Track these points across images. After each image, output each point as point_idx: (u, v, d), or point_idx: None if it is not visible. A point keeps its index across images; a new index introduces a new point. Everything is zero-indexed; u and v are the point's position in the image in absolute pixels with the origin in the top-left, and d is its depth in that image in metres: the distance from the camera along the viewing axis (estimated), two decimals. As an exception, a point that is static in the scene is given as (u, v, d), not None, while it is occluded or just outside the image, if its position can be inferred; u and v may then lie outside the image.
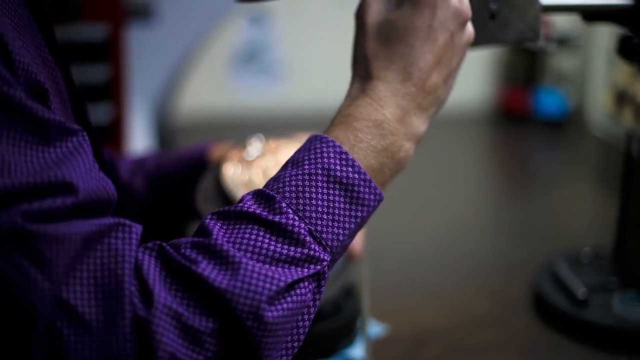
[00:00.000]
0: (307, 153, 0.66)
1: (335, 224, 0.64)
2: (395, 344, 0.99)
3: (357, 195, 0.66)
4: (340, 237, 0.64)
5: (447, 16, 0.73)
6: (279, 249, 0.62)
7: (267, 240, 0.62)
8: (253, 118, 1.98)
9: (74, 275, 0.56)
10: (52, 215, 0.56)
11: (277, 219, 0.62)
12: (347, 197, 0.65)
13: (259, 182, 0.91)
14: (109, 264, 0.57)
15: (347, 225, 0.65)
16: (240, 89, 2.04)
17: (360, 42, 0.76)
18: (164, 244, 0.61)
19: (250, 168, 0.92)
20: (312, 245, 0.63)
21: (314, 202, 0.64)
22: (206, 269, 0.59)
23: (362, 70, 0.74)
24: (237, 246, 0.61)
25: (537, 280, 1.09)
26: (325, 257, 0.63)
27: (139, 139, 1.50)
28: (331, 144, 0.66)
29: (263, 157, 0.94)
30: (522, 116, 1.96)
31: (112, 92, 1.33)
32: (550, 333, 1.01)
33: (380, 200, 0.67)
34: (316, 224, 0.63)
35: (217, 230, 0.62)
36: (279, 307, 0.60)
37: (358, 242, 0.98)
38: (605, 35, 1.81)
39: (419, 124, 0.72)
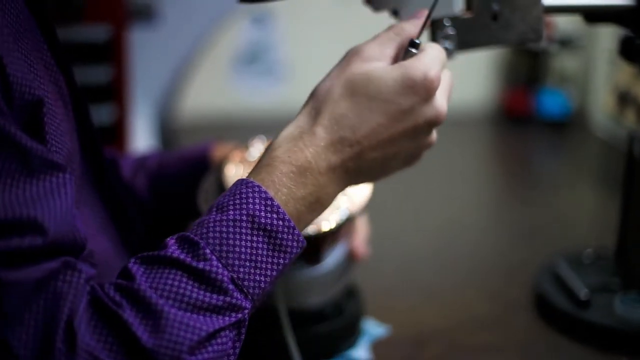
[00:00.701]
0: (232, 198, 0.66)
1: (258, 272, 0.64)
2: (395, 344, 0.99)
3: (281, 243, 0.66)
4: (262, 285, 0.65)
5: (426, 111, 0.71)
6: (201, 297, 0.62)
7: (189, 287, 0.62)
8: (255, 119, 1.98)
9: (20, 317, 0.57)
10: (15, 257, 0.57)
11: (200, 265, 0.62)
12: (271, 244, 0.65)
13: None
14: (52, 307, 0.58)
15: (269, 273, 0.65)
16: (242, 89, 2.05)
17: (331, 79, 0.74)
18: (95, 284, 0.61)
19: (250, 169, 0.92)
20: (235, 294, 0.63)
21: (237, 249, 0.64)
22: (130, 316, 0.59)
23: (315, 107, 0.72)
24: (159, 292, 0.61)
25: (539, 280, 1.09)
26: (247, 305, 0.64)
27: (142, 140, 1.51)
28: (257, 189, 0.66)
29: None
30: (524, 117, 1.96)
31: (115, 92, 1.33)
32: (551, 334, 1.01)
33: (302, 247, 0.67)
34: (239, 272, 0.63)
35: (140, 275, 0.62)
36: (200, 357, 0.61)
37: (362, 243, 0.98)
38: (608, 36, 1.81)
39: (340, 187, 0.71)
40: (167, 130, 1.65)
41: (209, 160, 1.00)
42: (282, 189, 0.67)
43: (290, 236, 0.66)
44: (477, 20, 0.88)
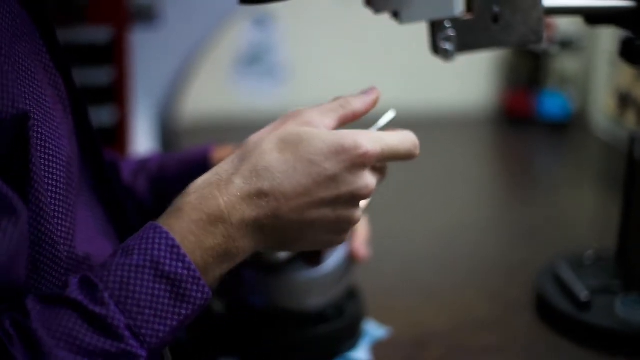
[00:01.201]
0: (138, 242, 0.64)
1: (157, 320, 0.63)
2: (396, 346, 0.99)
3: (184, 293, 0.64)
4: (161, 334, 0.63)
5: (350, 182, 0.69)
6: (94, 342, 0.60)
7: (83, 331, 0.60)
8: (257, 120, 1.97)
9: None
10: None
11: (97, 309, 0.61)
12: (173, 293, 0.63)
13: None
14: None
15: (169, 322, 0.63)
16: (243, 91, 2.05)
17: (263, 133, 0.72)
18: None
19: None
20: (130, 341, 0.61)
21: (137, 295, 0.62)
22: (18, 352, 0.58)
23: (239, 157, 0.70)
24: (52, 333, 0.60)
25: (539, 282, 1.09)
26: (142, 353, 0.62)
27: (143, 142, 1.51)
28: (164, 235, 0.64)
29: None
30: (524, 118, 1.96)
31: (116, 94, 1.33)
32: (552, 335, 1.01)
33: (207, 299, 0.65)
34: (136, 319, 0.62)
35: (36, 313, 0.61)
36: None
37: (362, 245, 0.98)
38: (609, 37, 1.81)
39: (253, 244, 0.69)
40: (168, 131, 1.65)
41: (209, 162, 1.00)
42: (189, 237, 0.65)
43: (194, 287, 0.64)
44: (478, 22, 0.88)
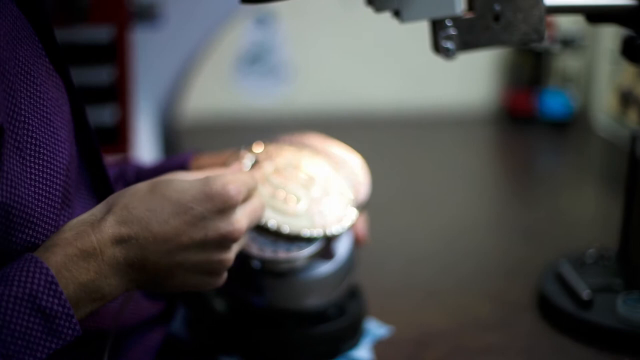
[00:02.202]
0: (18, 273, 0.65)
1: (27, 352, 0.64)
2: (398, 345, 0.99)
3: (57, 328, 0.66)
4: None
5: (219, 223, 0.72)
6: None
7: None
8: (258, 120, 1.98)
9: None
10: None
11: None
12: (47, 327, 0.65)
13: (266, 192, 0.91)
14: None
15: (38, 355, 0.65)
16: (245, 90, 2.05)
17: (141, 182, 0.74)
18: None
19: None
20: None
21: (12, 326, 0.64)
22: None
23: (113, 199, 0.72)
24: None
25: (541, 281, 1.09)
26: None
27: (144, 141, 1.51)
28: (44, 270, 0.66)
29: (260, 166, 0.94)
30: (526, 117, 1.96)
31: (117, 93, 1.33)
32: (554, 334, 1.01)
33: (76, 336, 0.67)
34: (9, 348, 0.63)
35: None
36: None
37: (362, 227, 0.98)
38: (610, 36, 1.81)
39: (124, 283, 0.71)
40: (169, 131, 1.65)
41: (187, 170, 0.99)
42: (63, 272, 0.67)
43: (67, 323, 0.66)
44: (479, 21, 0.88)
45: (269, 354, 0.94)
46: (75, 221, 0.70)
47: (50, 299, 0.65)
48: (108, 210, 0.71)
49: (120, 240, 0.69)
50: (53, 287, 0.65)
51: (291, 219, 0.89)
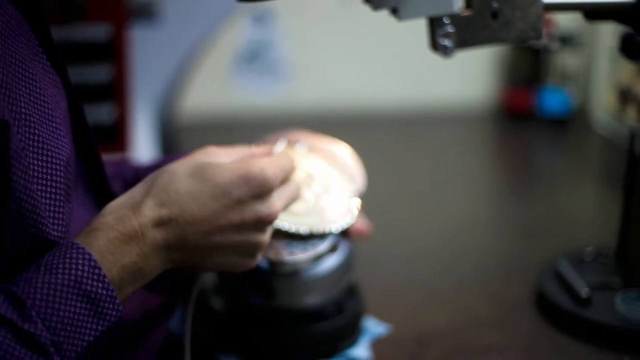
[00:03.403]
0: (62, 260, 0.67)
1: (77, 336, 0.66)
2: (396, 344, 0.99)
3: (102, 311, 0.68)
4: (79, 349, 0.67)
5: (256, 207, 0.75)
6: (22, 356, 0.63)
7: (12, 345, 0.63)
8: (257, 118, 1.98)
9: None
10: None
11: (25, 326, 0.64)
12: (93, 311, 0.67)
13: None
14: None
15: (86, 338, 0.67)
16: (243, 88, 2.04)
17: (175, 164, 0.76)
18: None
19: None
20: (54, 357, 0.65)
21: (61, 313, 0.66)
22: None
23: (152, 180, 0.74)
24: None
25: (540, 279, 1.09)
26: None
27: (143, 139, 1.51)
28: (87, 256, 0.68)
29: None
30: (525, 114, 1.96)
31: (115, 92, 1.33)
32: (553, 332, 1.01)
33: (120, 316, 0.69)
34: (59, 335, 0.65)
35: None
36: None
37: (363, 221, 0.98)
38: (608, 33, 1.81)
39: (163, 262, 0.73)
40: (168, 129, 1.65)
41: None
42: (107, 255, 0.69)
43: (111, 305, 0.68)
44: (477, 18, 0.88)
45: (268, 352, 0.94)
46: (114, 204, 0.73)
47: (95, 283, 0.67)
48: (147, 192, 0.73)
49: (160, 223, 0.71)
50: (97, 271, 0.67)
51: (302, 218, 0.90)
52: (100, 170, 0.83)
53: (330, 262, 0.93)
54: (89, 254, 0.68)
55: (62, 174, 0.71)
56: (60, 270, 0.67)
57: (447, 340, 1.01)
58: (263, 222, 0.76)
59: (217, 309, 0.97)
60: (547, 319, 1.04)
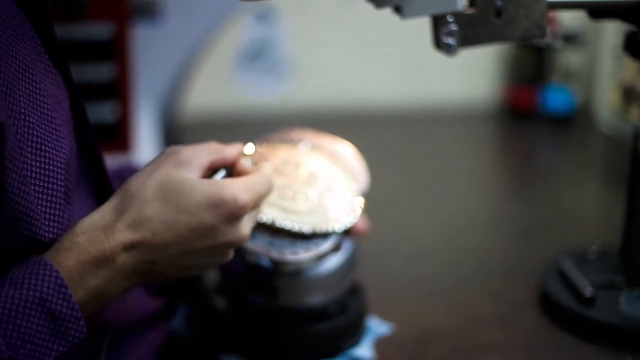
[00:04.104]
0: (27, 276, 0.66)
1: (36, 355, 0.65)
2: (399, 343, 0.99)
3: (65, 331, 0.66)
4: None
5: (227, 233, 0.73)
6: None
7: None
8: (259, 116, 1.98)
9: None
10: None
11: None
12: (55, 330, 0.66)
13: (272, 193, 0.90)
14: None
15: (46, 358, 0.65)
16: (246, 87, 2.04)
17: (144, 176, 0.74)
18: None
19: None
20: None
21: (22, 329, 0.64)
22: None
23: (123, 202, 0.72)
24: None
25: (543, 278, 1.08)
26: None
27: (145, 138, 1.50)
28: (54, 274, 0.66)
29: (258, 168, 0.93)
30: (528, 113, 1.95)
31: (118, 90, 1.33)
32: (556, 332, 1.01)
33: (82, 338, 0.68)
34: (18, 352, 0.64)
35: None
36: None
37: (362, 220, 0.98)
38: (612, 31, 1.81)
39: (128, 285, 0.72)
40: (170, 127, 1.64)
41: None
42: (75, 276, 0.68)
43: (75, 326, 0.67)
44: (481, 17, 0.88)
45: (270, 352, 0.93)
46: (86, 223, 0.71)
47: (60, 302, 0.66)
48: (119, 217, 0.71)
49: (131, 247, 0.70)
50: (63, 290, 0.66)
51: (305, 217, 0.90)
52: (101, 170, 0.83)
53: (334, 262, 0.93)
54: (57, 271, 0.66)
55: (60, 175, 0.71)
56: (25, 286, 0.65)
57: (449, 340, 1.00)
58: (232, 246, 0.75)
59: (219, 309, 0.97)
60: (550, 318, 1.04)
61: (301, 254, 0.90)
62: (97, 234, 0.69)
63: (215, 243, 0.73)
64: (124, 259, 0.70)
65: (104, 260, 0.69)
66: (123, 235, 0.70)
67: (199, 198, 0.72)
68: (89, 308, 0.69)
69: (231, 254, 0.77)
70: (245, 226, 0.75)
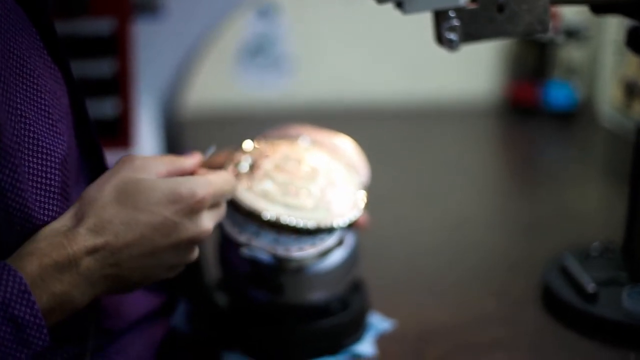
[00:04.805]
0: None
1: None
2: (401, 340, 0.98)
3: (27, 338, 0.65)
4: None
5: (189, 228, 0.73)
6: None
7: None
8: (261, 112, 1.98)
9: None
10: None
11: None
12: (18, 337, 0.64)
13: (274, 189, 0.90)
14: None
15: None
16: (247, 82, 2.04)
17: (101, 182, 0.73)
18: None
19: (254, 180, 0.91)
20: None
21: None
22: None
23: (81, 209, 0.71)
24: None
25: (545, 274, 1.08)
26: None
27: (146, 134, 1.50)
28: (18, 279, 0.65)
29: (259, 165, 0.93)
30: (530, 108, 1.95)
31: (119, 86, 1.33)
32: (559, 328, 1.01)
33: (46, 347, 0.66)
34: None
35: None
36: None
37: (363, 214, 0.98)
38: (615, 26, 1.80)
39: (96, 291, 0.71)
40: (171, 123, 1.64)
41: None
42: (38, 282, 0.66)
43: (37, 334, 0.65)
44: (483, 12, 0.87)
45: (272, 349, 0.93)
46: (48, 230, 0.70)
47: (23, 308, 0.64)
48: (79, 220, 0.70)
49: (94, 251, 0.69)
50: (26, 296, 0.65)
51: (309, 213, 0.89)
52: (102, 166, 0.83)
53: (336, 258, 0.93)
54: (21, 277, 0.65)
55: (57, 171, 0.70)
56: None
57: (451, 337, 1.00)
58: (197, 241, 0.75)
59: (220, 305, 0.96)
60: (553, 314, 1.03)
61: (308, 250, 0.90)
62: (59, 239, 0.68)
63: (178, 240, 0.72)
64: (87, 263, 0.68)
65: (67, 265, 0.67)
66: (85, 239, 0.69)
67: (157, 195, 0.71)
68: (55, 315, 0.68)
69: (196, 252, 0.76)
70: (206, 220, 0.74)
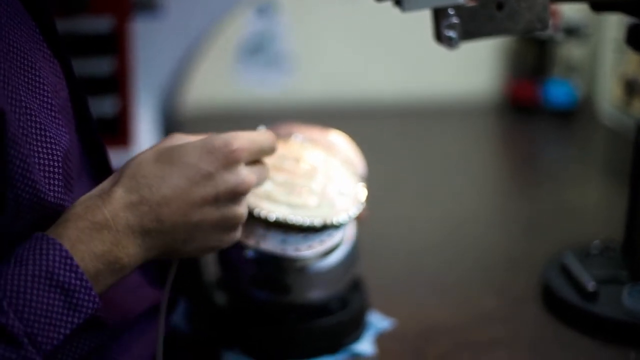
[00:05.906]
0: (32, 252, 0.66)
1: (52, 328, 0.65)
2: (401, 339, 0.98)
3: (76, 302, 0.66)
4: (55, 342, 0.65)
5: (226, 178, 0.73)
6: None
7: None
8: (260, 110, 1.97)
9: None
10: None
11: None
12: (67, 302, 0.65)
13: (276, 190, 0.90)
14: None
15: (62, 331, 0.65)
16: (247, 80, 2.04)
17: (144, 150, 0.75)
18: None
19: None
20: (29, 347, 0.63)
21: (33, 304, 0.64)
22: None
23: (120, 171, 0.73)
24: None
25: (546, 273, 1.08)
26: (38, 359, 0.64)
27: (145, 132, 1.50)
28: (57, 246, 0.66)
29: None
30: (530, 107, 1.95)
31: (118, 84, 1.33)
32: (559, 327, 1.01)
33: (97, 308, 0.67)
34: (33, 327, 0.64)
35: None
36: None
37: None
38: (614, 24, 1.80)
39: (143, 250, 0.71)
40: (171, 121, 1.64)
41: None
42: (78, 245, 0.67)
43: (86, 296, 0.66)
44: (482, 10, 0.87)
45: (272, 348, 0.93)
46: (84, 197, 0.71)
47: (67, 274, 0.65)
48: (115, 182, 0.71)
49: (132, 210, 0.69)
50: (69, 261, 0.66)
51: (314, 211, 0.89)
52: (104, 162, 0.83)
53: (337, 256, 0.93)
54: (60, 244, 0.66)
55: (61, 161, 0.70)
56: (30, 262, 0.65)
57: (451, 335, 1.00)
58: (237, 193, 0.74)
59: (220, 305, 0.96)
60: (553, 313, 1.03)
61: (317, 247, 0.90)
62: (94, 201, 0.69)
63: (215, 191, 0.72)
64: (125, 219, 0.69)
65: (104, 225, 0.68)
66: (120, 196, 0.69)
67: (191, 150, 0.72)
68: (104, 278, 0.68)
69: (243, 209, 0.75)
70: (245, 172, 0.74)
